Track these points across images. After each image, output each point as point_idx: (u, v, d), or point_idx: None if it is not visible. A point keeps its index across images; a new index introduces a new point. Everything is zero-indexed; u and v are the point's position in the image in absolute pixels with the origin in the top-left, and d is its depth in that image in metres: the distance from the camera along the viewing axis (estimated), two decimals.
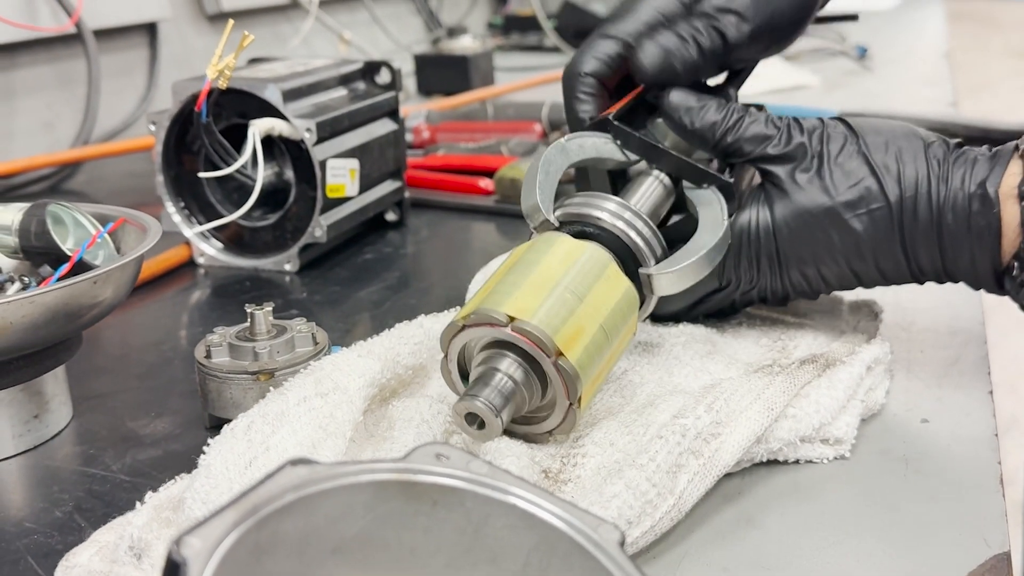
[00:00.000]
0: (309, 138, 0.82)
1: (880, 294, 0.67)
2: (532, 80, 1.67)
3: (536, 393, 0.50)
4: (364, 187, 0.90)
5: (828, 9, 0.75)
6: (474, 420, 0.48)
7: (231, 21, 0.76)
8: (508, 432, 0.51)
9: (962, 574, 0.45)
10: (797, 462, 0.53)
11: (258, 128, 0.80)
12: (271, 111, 0.82)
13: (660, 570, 0.45)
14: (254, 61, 0.94)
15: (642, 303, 0.57)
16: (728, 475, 0.51)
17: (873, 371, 0.57)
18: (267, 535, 0.32)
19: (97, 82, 1.27)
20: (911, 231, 0.56)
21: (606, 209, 0.57)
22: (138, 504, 0.47)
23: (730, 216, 0.59)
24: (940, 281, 0.59)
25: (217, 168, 0.81)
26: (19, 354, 0.55)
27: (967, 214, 0.55)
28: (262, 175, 0.80)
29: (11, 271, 0.64)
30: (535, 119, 1.23)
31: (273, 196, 0.87)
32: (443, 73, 1.62)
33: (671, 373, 0.56)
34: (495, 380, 0.49)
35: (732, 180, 0.60)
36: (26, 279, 0.63)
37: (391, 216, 0.98)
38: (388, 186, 0.95)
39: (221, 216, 0.86)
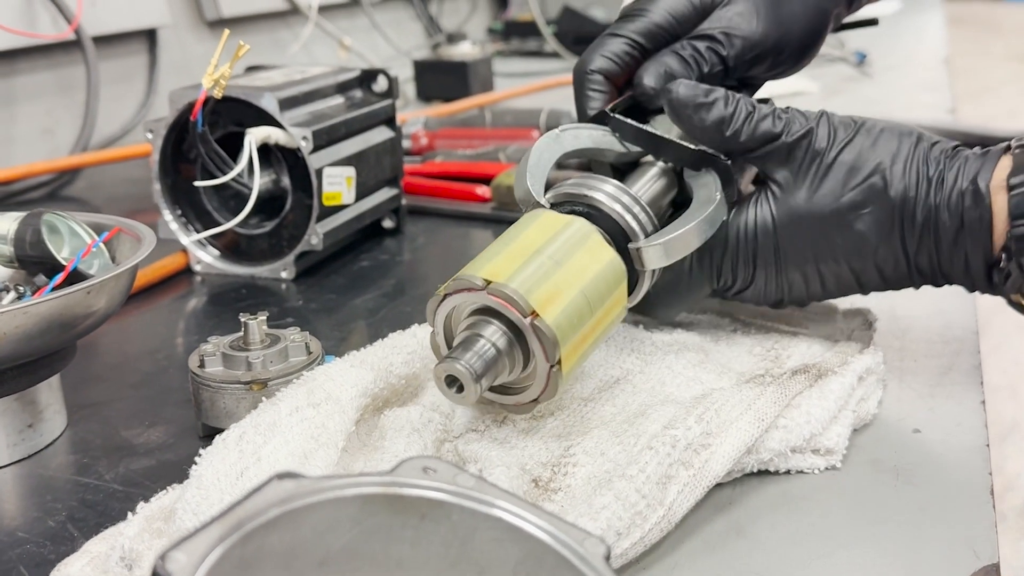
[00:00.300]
0: (305, 146, 0.82)
1: (875, 302, 0.67)
2: (531, 86, 1.67)
3: (519, 363, 0.51)
4: (360, 195, 0.90)
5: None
6: (453, 383, 0.49)
7: (227, 31, 0.76)
8: (493, 403, 0.53)
9: None
10: (788, 472, 0.53)
11: (254, 137, 0.80)
12: (268, 119, 0.82)
13: None
14: (251, 69, 0.95)
15: (635, 285, 0.57)
16: (719, 485, 0.51)
17: (865, 381, 0.57)
18: (253, 549, 0.32)
19: (96, 88, 1.28)
20: (909, 230, 0.57)
21: (602, 191, 0.57)
22: (130, 514, 0.47)
23: (728, 202, 0.59)
24: (937, 284, 0.60)
25: (213, 177, 0.82)
26: (13, 364, 0.55)
27: (960, 211, 0.56)
28: (258, 184, 0.80)
29: (6, 280, 0.65)
30: (533, 126, 1.23)
31: (270, 203, 0.87)
32: (442, 79, 1.63)
33: (663, 383, 0.56)
34: (477, 346, 0.49)
35: (729, 161, 0.60)
36: (21, 288, 0.63)
37: (388, 223, 0.98)
38: (385, 194, 0.95)
39: (218, 223, 0.86)
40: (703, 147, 0.61)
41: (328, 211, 0.86)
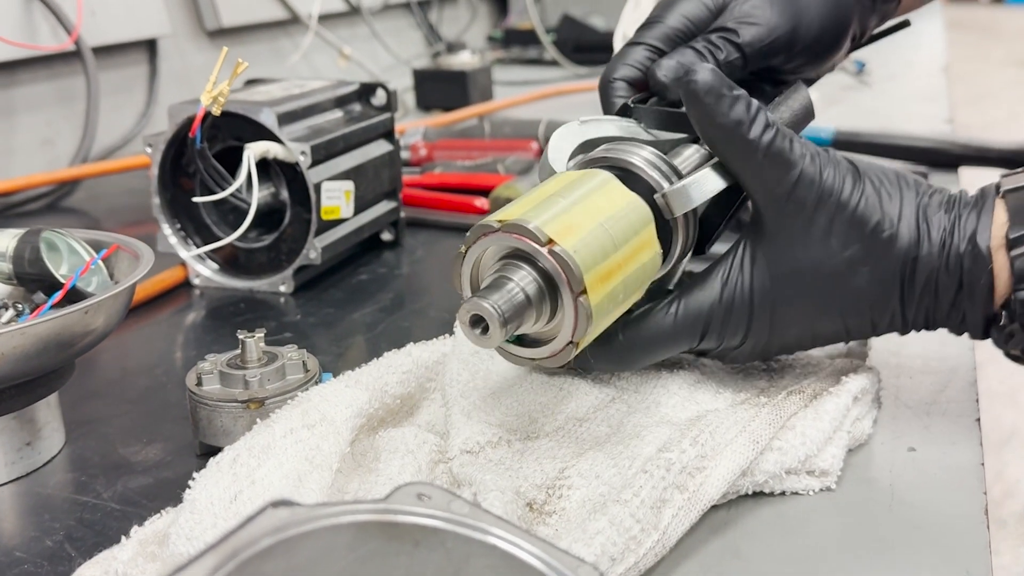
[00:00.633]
0: (304, 161, 0.82)
1: None
2: (530, 95, 1.67)
3: (544, 316, 0.49)
4: (359, 208, 0.90)
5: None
6: (478, 323, 0.47)
7: (225, 49, 0.76)
8: (524, 359, 0.52)
9: None
10: (783, 493, 0.53)
11: (253, 152, 0.80)
12: (267, 134, 0.82)
13: None
14: (250, 83, 0.95)
15: (667, 252, 0.57)
16: (714, 507, 0.51)
17: (860, 401, 0.57)
18: None
19: (96, 99, 1.28)
20: (909, 289, 0.55)
21: (638, 155, 0.56)
22: (123, 538, 0.47)
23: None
24: (924, 330, 0.58)
25: (212, 192, 0.82)
26: (11, 383, 0.55)
27: (960, 272, 0.54)
28: (257, 199, 0.81)
29: (5, 297, 0.65)
30: (532, 137, 1.23)
31: (269, 216, 0.87)
32: (442, 88, 1.63)
33: (659, 403, 0.56)
34: (508, 287, 0.48)
35: None
36: (20, 306, 0.63)
37: (387, 236, 0.98)
38: (383, 207, 0.96)
39: (217, 237, 0.86)
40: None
41: (327, 225, 0.86)
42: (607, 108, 0.65)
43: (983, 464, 0.56)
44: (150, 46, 1.47)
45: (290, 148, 0.82)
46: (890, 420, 0.60)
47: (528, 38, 2.10)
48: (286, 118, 0.84)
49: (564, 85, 1.77)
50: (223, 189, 0.81)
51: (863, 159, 0.58)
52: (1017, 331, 0.54)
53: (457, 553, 0.36)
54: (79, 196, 1.23)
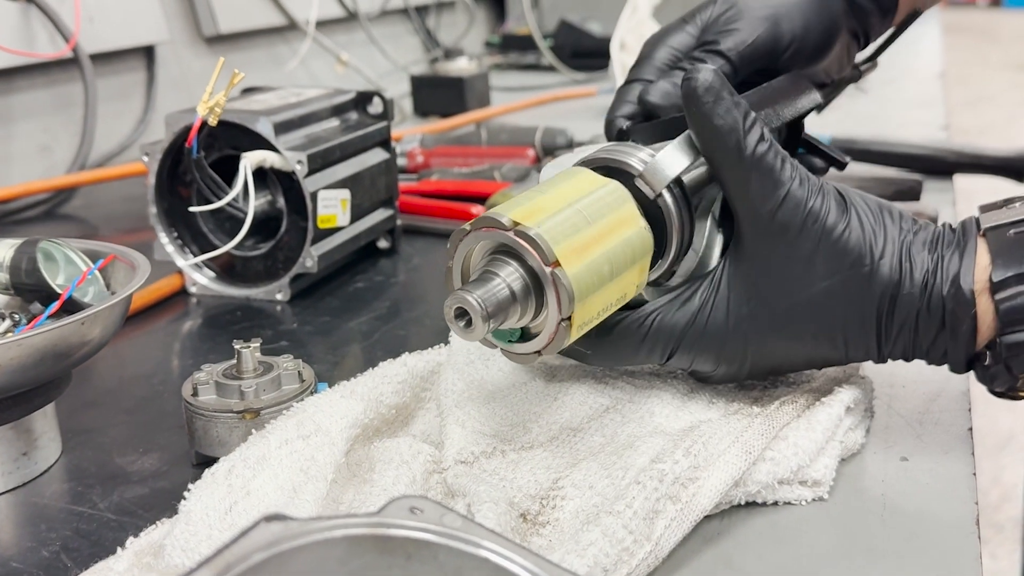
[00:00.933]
0: (300, 170, 0.82)
1: None
2: (527, 101, 1.68)
3: (530, 310, 0.50)
4: (356, 216, 0.91)
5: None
6: (463, 316, 0.48)
7: (222, 59, 0.77)
8: (496, 347, 0.52)
9: None
10: (776, 503, 0.53)
11: (249, 161, 0.81)
12: (263, 143, 0.83)
13: None
14: (247, 91, 0.95)
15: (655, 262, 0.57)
16: (707, 517, 0.52)
17: (853, 411, 0.57)
18: None
19: (94, 106, 1.29)
20: (888, 326, 0.54)
21: (636, 157, 0.57)
22: (119, 549, 0.47)
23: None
24: (903, 360, 0.57)
25: (209, 201, 0.82)
26: (8, 394, 0.56)
27: (942, 312, 0.53)
28: (253, 208, 0.81)
29: (1, 307, 0.65)
30: (528, 144, 1.23)
31: (265, 224, 0.88)
32: (439, 94, 1.64)
33: (652, 412, 0.56)
34: (492, 283, 0.49)
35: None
36: (16, 316, 0.64)
37: (383, 244, 0.99)
38: (380, 215, 0.96)
39: (214, 246, 0.87)
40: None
41: (323, 233, 0.86)
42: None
43: (975, 474, 0.57)
44: (148, 53, 1.47)
45: (286, 157, 0.82)
46: (883, 430, 0.61)
47: (525, 43, 2.11)
48: (282, 127, 0.84)
49: (561, 91, 1.77)
50: (220, 198, 0.81)
51: (851, 188, 0.57)
52: (1001, 372, 0.54)
53: (449, 566, 0.36)
54: (76, 203, 1.23)
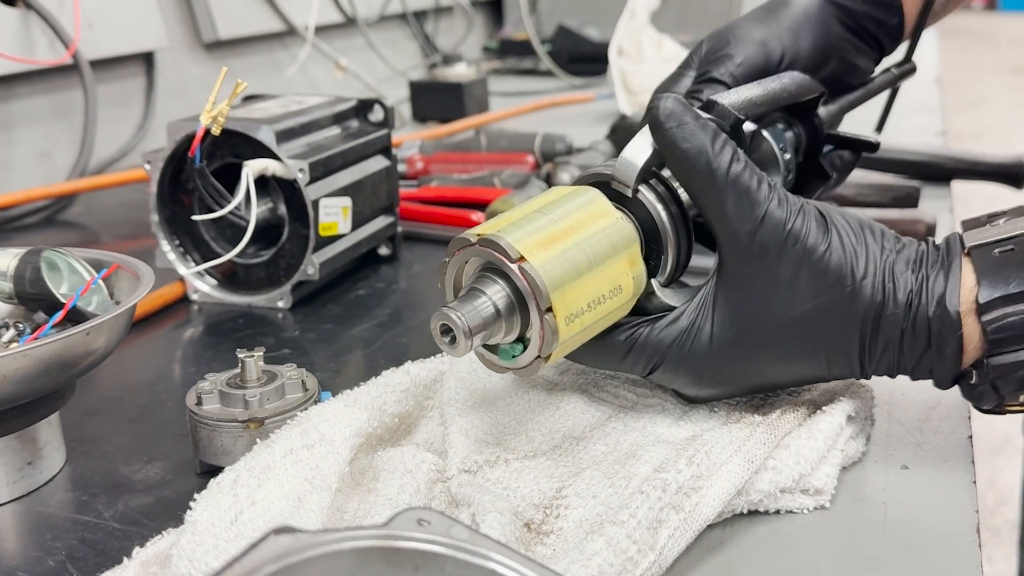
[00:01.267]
0: (302, 178, 0.83)
1: None
2: (526, 106, 1.68)
3: (515, 329, 0.51)
4: (357, 224, 0.91)
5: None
6: (447, 332, 0.50)
7: (224, 69, 0.77)
8: (496, 366, 0.53)
9: None
10: (778, 512, 0.54)
11: (252, 169, 0.81)
12: (265, 151, 0.83)
13: None
14: (248, 99, 0.96)
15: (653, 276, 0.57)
16: (710, 526, 0.52)
17: (854, 420, 0.58)
18: None
19: (94, 112, 1.29)
20: (871, 346, 0.54)
21: (650, 185, 0.57)
22: (125, 559, 0.48)
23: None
24: (887, 376, 0.57)
25: (211, 209, 0.82)
26: (13, 404, 0.56)
27: (927, 333, 0.53)
28: (255, 216, 0.81)
29: (5, 317, 0.65)
30: (528, 150, 1.24)
31: (267, 232, 0.88)
32: (438, 100, 1.64)
33: (654, 422, 0.57)
34: (477, 301, 0.50)
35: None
36: (20, 325, 0.64)
37: (384, 250, 0.99)
38: (381, 222, 0.96)
39: (215, 253, 0.87)
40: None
41: (325, 241, 0.86)
42: None
43: (975, 482, 0.57)
44: (147, 59, 1.47)
45: (288, 165, 0.83)
46: (883, 438, 0.61)
47: (523, 49, 2.11)
48: (284, 135, 0.84)
49: (559, 96, 1.78)
50: (222, 206, 0.82)
51: (832, 207, 0.56)
52: (988, 391, 0.54)
53: None
54: (76, 210, 1.24)
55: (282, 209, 0.87)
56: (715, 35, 0.71)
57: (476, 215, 1.04)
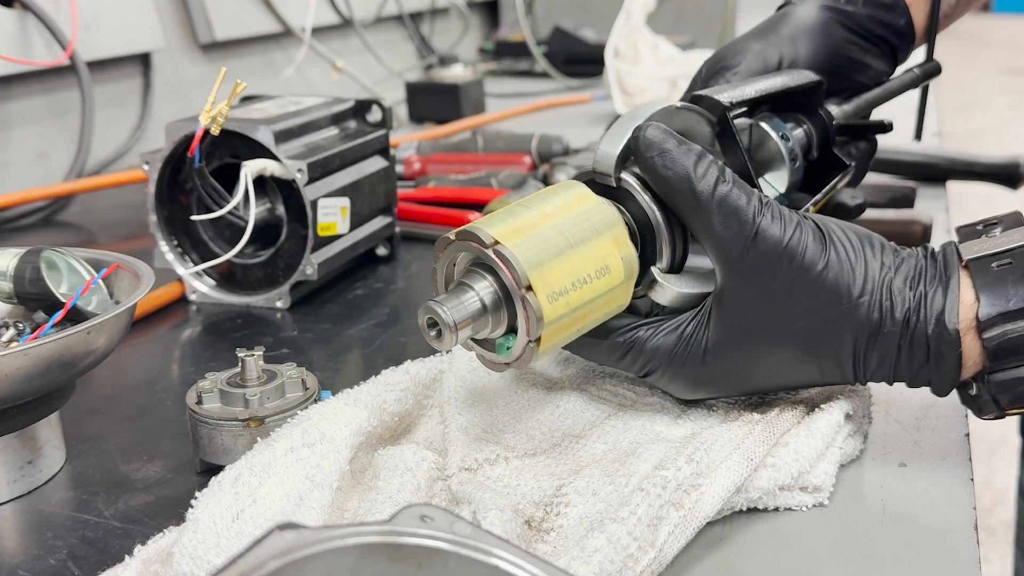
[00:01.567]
0: (300, 178, 0.83)
1: None
2: (522, 108, 1.68)
3: (502, 324, 0.52)
4: (355, 224, 0.91)
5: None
6: (433, 326, 0.50)
7: (224, 69, 0.77)
8: (489, 361, 0.53)
9: None
10: (777, 509, 0.54)
11: (250, 169, 0.81)
12: (263, 151, 0.83)
13: None
14: (247, 100, 0.96)
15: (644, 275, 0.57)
16: (709, 523, 0.52)
17: (852, 418, 0.58)
18: None
19: (91, 112, 1.29)
20: (867, 358, 0.54)
21: (629, 171, 0.57)
22: (127, 557, 0.48)
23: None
24: (884, 383, 0.58)
25: (210, 209, 0.83)
26: (14, 403, 0.56)
27: (926, 349, 0.53)
28: (254, 216, 0.81)
29: (5, 316, 0.65)
30: (525, 151, 1.24)
31: (265, 232, 0.88)
32: (434, 101, 1.64)
33: (654, 420, 0.57)
34: (465, 296, 0.51)
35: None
36: (20, 325, 0.64)
37: (382, 251, 0.99)
38: (379, 222, 0.97)
39: (214, 253, 0.87)
40: (767, 185, 0.62)
41: (323, 241, 0.87)
42: None
43: (972, 479, 0.57)
44: (144, 60, 1.47)
45: (287, 166, 0.83)
46: (881, 436, 0.61)
47: (519, 50, 2.11)
48: (283, 136, 0.85)
49: (555, 98, 1.78)
50: (220, 206, 0.82)
51: (832, 220, 0.56)
52: (989, 404, 0.54)
53: (460, 574, 0.37)
54: (74, 210, 1.24)
55: (280, 209, 0.87)
56: (714, 54, 0.72)
57: (473, 215, 1.05)
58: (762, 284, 0.53)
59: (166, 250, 0.88)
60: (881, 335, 0.53)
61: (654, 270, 0.56)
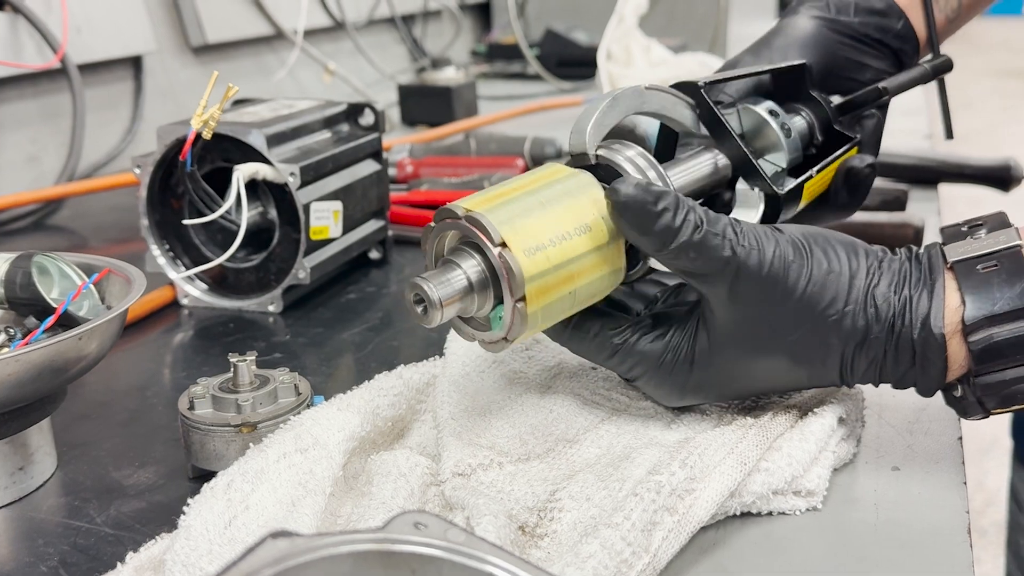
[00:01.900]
0: (293, 182, 0.83)
1: None
2: (515, 110, 1.68)
3: (488, 303, 0.52)
4: (347, 228, 0.91)
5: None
6: (420, 302, 0.51)
7: (216, 73, 0.77)
8: (471, 336, 0.54)
9: None
10: (770, 514, 0.54)
11: (242, 173, 0.81)
12: (256, 155, 0.83)
13: None
14: (239, 103, 0.95)
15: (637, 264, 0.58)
16: (703, 528, 0.52)
17: (845, 422, 0.58)
18: None
19: (82, 116, 1.28)
20: (855, 364, 0.55)
21: (623, 154, 0.57)
22: (119, 564, 0.47)
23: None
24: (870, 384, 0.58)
25: (202, 213, 0.82)
26: (5, 409, 0.56)
27: (911, 353, 0.53)
28: (246, 220, 0.81)
29: None
30: (518, 154, 1.24)
31: (257, 236, 0.88)
32: (427, 103, 1.64)
33: (647, 425, 0.57)
34: (452, 273, 0.51)
35: (781, 194, 0.62)
36: (11, 330, 0.64)
37: (374, 254, 0.99)
38: (371, 226, 0.96)
39: (206, 257, 0.87)
40: (761, 167, 0.62)
41: (315, 245, 0.86)
42: None
43: (965, 483, 0.57)
44: (135, 63, 1.47)
45: (279, 169, 0.83)
46: (874, 440, 0.61)
47: (512, 53, 2.12)
48: (275, 139, 0.84)
49: (548, 100, 1.78)
50: (212, 210, 0.82)
51: (813, 230, 0.56)
52: (974, 405, 0.54)
53: None
54: (64, 214, 1.23)
55: (273, 213, 0.87)
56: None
57: None
58: (748, 309, 0.54)
59: (158, 254, 0.87)
60: (868, 341, 0.54)
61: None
